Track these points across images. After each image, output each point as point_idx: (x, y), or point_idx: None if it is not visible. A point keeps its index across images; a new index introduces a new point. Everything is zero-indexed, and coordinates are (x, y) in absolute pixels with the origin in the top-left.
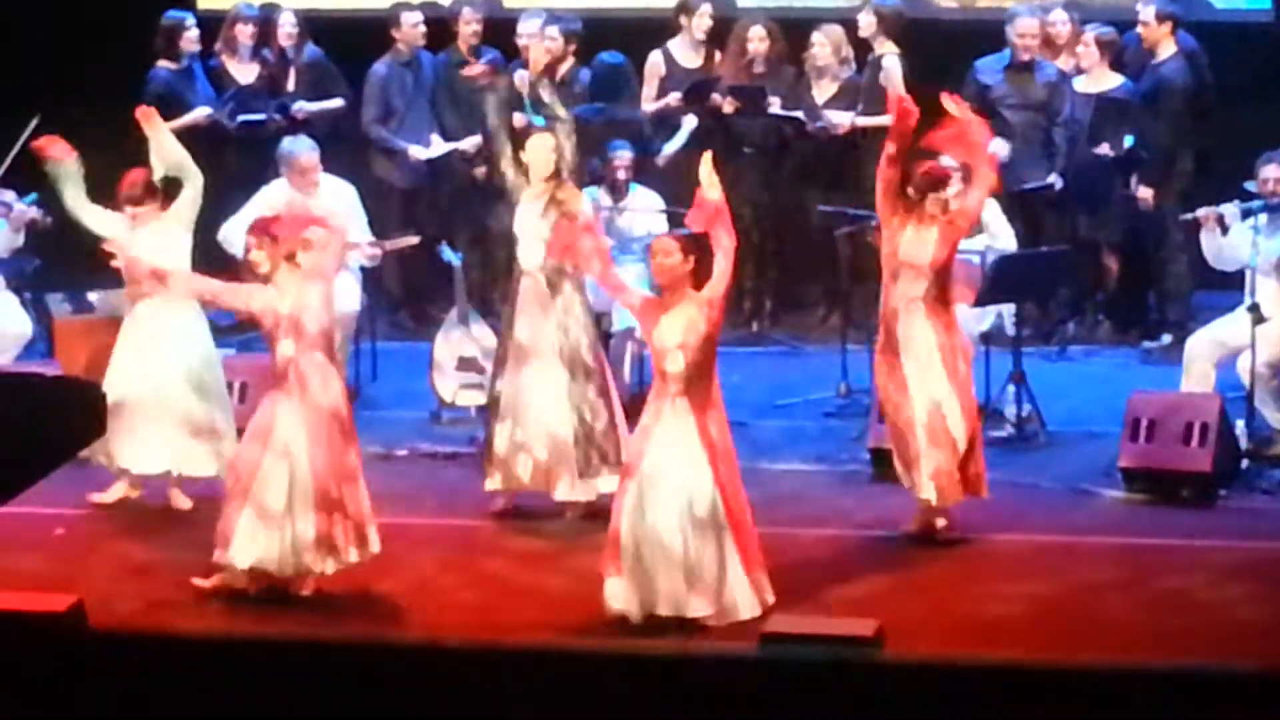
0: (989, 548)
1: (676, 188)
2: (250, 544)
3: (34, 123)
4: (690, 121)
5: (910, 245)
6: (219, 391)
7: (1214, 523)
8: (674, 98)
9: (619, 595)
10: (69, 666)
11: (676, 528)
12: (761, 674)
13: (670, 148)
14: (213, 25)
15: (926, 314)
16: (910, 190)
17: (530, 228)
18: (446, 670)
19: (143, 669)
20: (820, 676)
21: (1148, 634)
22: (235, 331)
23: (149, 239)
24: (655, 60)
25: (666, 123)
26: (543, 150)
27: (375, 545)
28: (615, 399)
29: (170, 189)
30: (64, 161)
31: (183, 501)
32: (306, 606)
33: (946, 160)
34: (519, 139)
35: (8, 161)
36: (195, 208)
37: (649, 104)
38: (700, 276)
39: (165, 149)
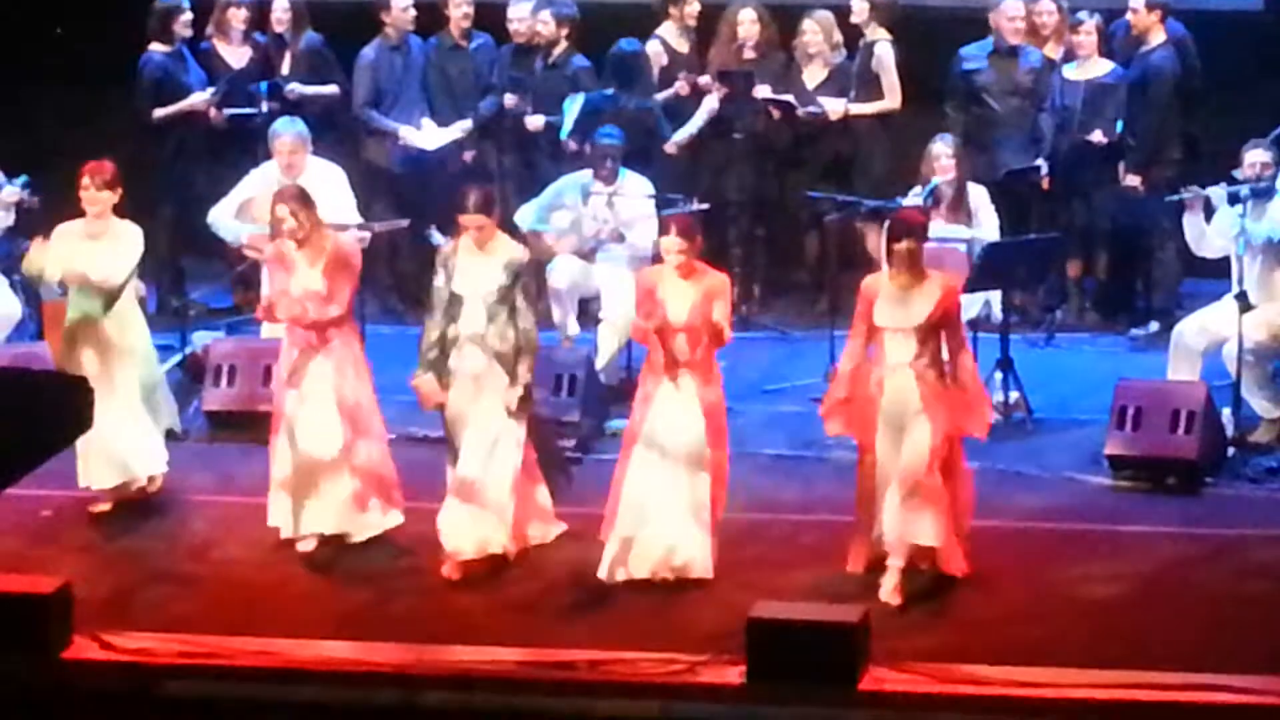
0: (1006, 534)
1: (686, 171)
2: None
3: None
4: (710, 102)
5: (891, 308)
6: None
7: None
8: (681, 86)
9: (610, 560)
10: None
11: (669, 494)
12: None
13: (684, 133)
14: (203, 8)
15: (915, 379)
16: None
17: (476, 286)
18: None
19: None
20: None
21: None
22: (224, 315)
23: (95, 244)
24: (655, 49)
25: (675, 110)
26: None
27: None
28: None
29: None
30: None
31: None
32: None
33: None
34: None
35: None
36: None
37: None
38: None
39: None
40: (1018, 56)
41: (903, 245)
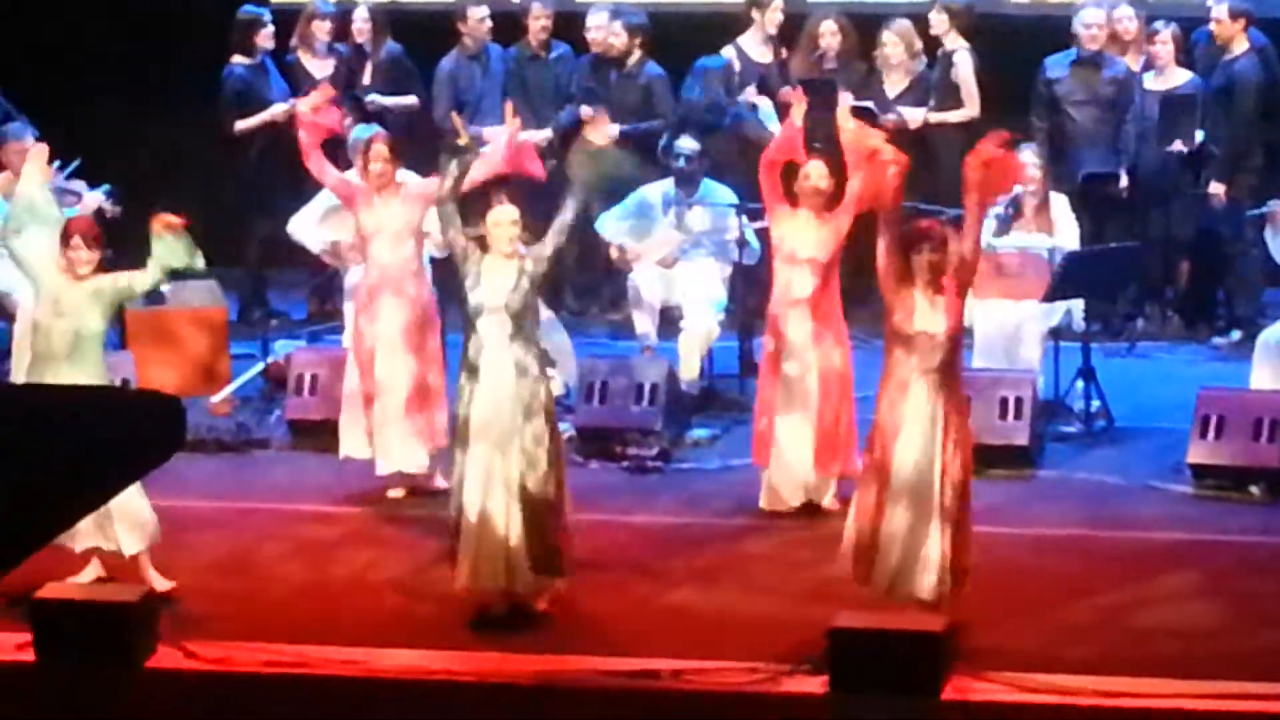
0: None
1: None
2: None
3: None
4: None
5: (924, 315)
6: None
7: None
8: (750, 91)
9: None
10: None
11: (798, 430)
12: None
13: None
14: (284, 20)
15: (939, 386)
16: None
17: (495, 296)
18: None
19: None
20: None
21: None
22: (305, 324)
23: (78, 297)
24: (729, 56)
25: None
26: (506, 223)
27: None
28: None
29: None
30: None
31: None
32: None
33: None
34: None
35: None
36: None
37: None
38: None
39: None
40: (1100, 66)
41: (924, 256)
